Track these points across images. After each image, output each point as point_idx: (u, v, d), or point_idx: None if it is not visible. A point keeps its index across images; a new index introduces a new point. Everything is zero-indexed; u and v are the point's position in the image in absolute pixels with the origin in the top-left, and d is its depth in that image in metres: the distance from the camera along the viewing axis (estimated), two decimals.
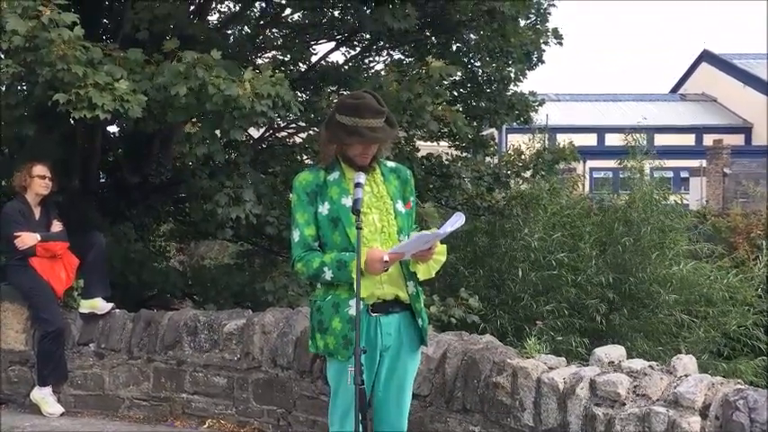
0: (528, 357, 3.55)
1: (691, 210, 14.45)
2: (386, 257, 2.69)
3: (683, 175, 25.80)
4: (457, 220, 2.75)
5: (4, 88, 5.19)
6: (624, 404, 3.06)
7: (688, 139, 28.73)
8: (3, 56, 5.04)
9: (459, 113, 6.48)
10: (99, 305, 5.00)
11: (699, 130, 29.61)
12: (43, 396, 4.88)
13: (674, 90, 35.52)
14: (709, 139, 27.37)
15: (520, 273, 8.68)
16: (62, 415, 4.86)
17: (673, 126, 28.17)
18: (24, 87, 5.40)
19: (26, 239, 4.85)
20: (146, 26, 6.11)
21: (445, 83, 6.22)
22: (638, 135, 11.16)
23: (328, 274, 2.79)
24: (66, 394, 4.98)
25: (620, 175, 12.85)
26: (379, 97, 2.86)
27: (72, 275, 5.04)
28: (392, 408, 2.94)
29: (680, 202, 11.13)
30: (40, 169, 4.97)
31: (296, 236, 2.88)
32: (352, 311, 2.77)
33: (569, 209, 10.19)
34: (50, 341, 4.85)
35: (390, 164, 3.04)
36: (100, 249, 5.10)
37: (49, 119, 5.58)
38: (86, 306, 5.01)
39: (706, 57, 33.60)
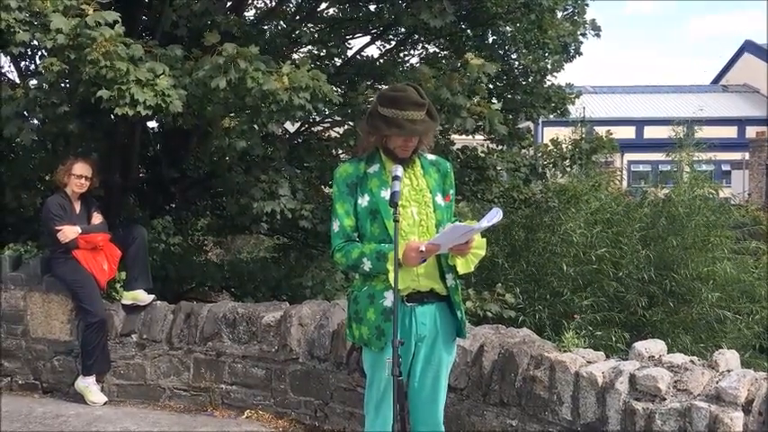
0: (566, 351, 3.52)
1: (733, 204, 14.11)
2: (422, 248, 2.69)
3: (725, 168, 25.27)
4: (494, 216, 2.74)
5: (47, 86, 5.29)
6: (665, 399, 3.02)
7: (730, 131, 28.11)
8: (47, 54, 5.15)
9: (496, 111, 6.42)
10: (141, 297, 5.11)
11: (741, 122, 28.97)
12: (87, 385, 5.00)
13: (716, 81, 34.73)
14: (751, 131, 26.76)
15: (564, 267, 8.52)
16: (105, 404, 4.98)
17: (714, 118, 27.59)
18: (67, 84, 5.51)
19: (68, 233, 4.97)
20: (184, 23, 6.20)
21: (483, 80, 6.14)
22: (679, 128, 10.95)
23: (367, 265, 2.81)
24: (110, 384, 5.10)
25: (660, 169, 12.62)
26: (420, 90, 2.86)
27: (114, 267, 5.16)
28: (427, 398, 2.94)
29: (728, 198, 10.83)
30: (78, 168, 5.08)
31: (335, 226, 2.90)
32: (387, 303, 2.80)
33: (610, 203, 9.98)
34: (94, 332, 4.96)
35: (431, 157, 3.04)
36: (142, 242, 5.21)
37: (90, 115, 5.69)
38: (129, 297, 5.13)
39: (748, 47, 32.78)
